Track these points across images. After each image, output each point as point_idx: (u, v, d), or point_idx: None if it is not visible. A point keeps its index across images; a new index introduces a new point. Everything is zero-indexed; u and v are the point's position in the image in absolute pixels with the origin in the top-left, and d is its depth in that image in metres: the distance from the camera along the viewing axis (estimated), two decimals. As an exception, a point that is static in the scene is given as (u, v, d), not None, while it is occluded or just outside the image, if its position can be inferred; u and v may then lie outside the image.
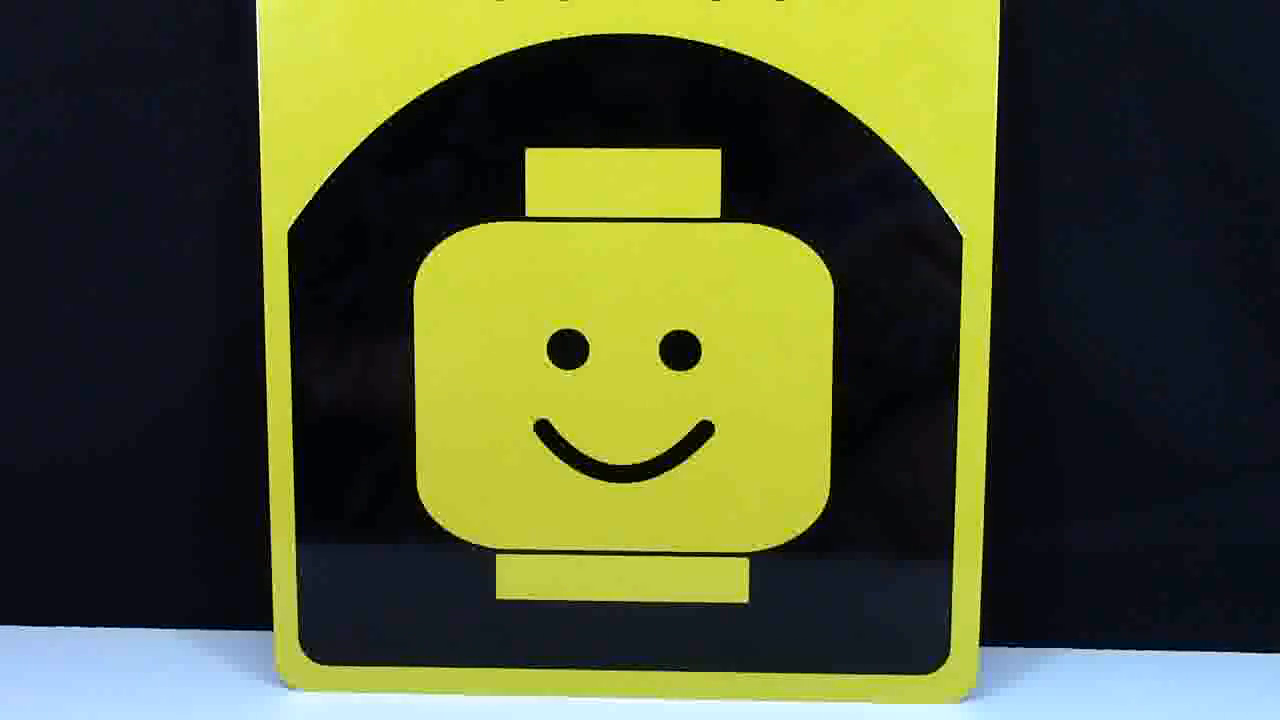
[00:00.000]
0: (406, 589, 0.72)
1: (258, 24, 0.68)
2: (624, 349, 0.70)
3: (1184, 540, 0.77)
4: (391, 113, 0.69)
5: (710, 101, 0.68)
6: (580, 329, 0.70)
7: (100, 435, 0.78)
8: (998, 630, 0.73)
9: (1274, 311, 0.75)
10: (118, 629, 0.79)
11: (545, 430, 0.70)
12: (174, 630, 0.79)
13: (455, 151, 0.69)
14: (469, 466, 0.71)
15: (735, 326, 0.69)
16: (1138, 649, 0.77)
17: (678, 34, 0.68)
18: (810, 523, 0.71)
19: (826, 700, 0.71)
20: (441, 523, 0.71)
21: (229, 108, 0.74)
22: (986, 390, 0.69)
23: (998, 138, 0.68)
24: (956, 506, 0.70)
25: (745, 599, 0.71)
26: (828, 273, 0.69)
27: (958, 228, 0.68)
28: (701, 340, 0.70)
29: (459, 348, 0.70)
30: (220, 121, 0.75)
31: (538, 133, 0.69)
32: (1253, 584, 0.77)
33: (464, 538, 0.71)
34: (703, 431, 0.70)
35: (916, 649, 0.71)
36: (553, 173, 0.69)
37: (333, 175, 0.69)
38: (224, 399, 0.77)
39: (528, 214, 0.69)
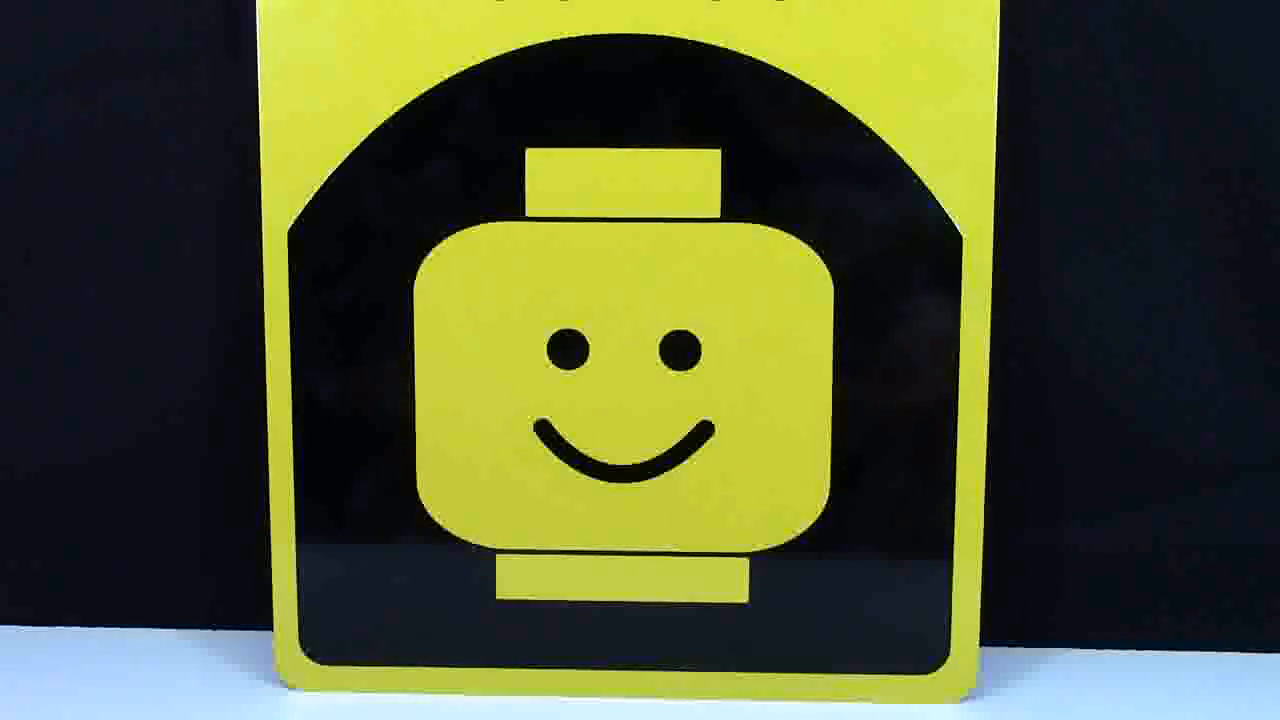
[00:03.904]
0: (406, 589, 0.72)
1: (258, 24, 0.68)
2: (624, 349, 0.70)
3: (1184, 540, 0.77)
4: (391, 113, 0.69)
5: (710, 101, 0.68)
6: (580, 329, 0.70)
7: (100, 436, 0.78)
8: (998, 630, 0.73)
9: (1273, 312, 0.75)
10: (118, 629, 0.79)
11: (545, 430, 0.71)
12: (174, 630, 0.79)
13: (455, 151, 0.69)
14: (469, 466, 0.71)
15: (735, 326, 0.69)
16: (1138, 649, 0.77)
17: (678, 34, 0.68)
18: (810, 523, 0.71)
19: (826, 700, 0.71)
20: (441, 523, 0.71)
21: (229, 107, 0.74)
22: (986, 390, 0.69)
23: (998, 138, 0.68)
24: (956, 506, 0.70)
25: (745, 599, 0.71)
26: (828, 273, 0.69)
27: (958, 228, 0.68)
28: (701, 340, 0.70)
29: (459, 348, 0.70)
30: (220, 121, 0.75)
31: (538, 133, 0.69)
32: (1253, 584, 0.77)
33: (464, 538, 0.71)
34: (703, 431, 0.70)
35: (916, 649, 0.71)
36: (553, 173, 0.69)
37: (333, 175, 0.69)
38: (224, 399, 0.77)
39: (528, 214, 0.69)
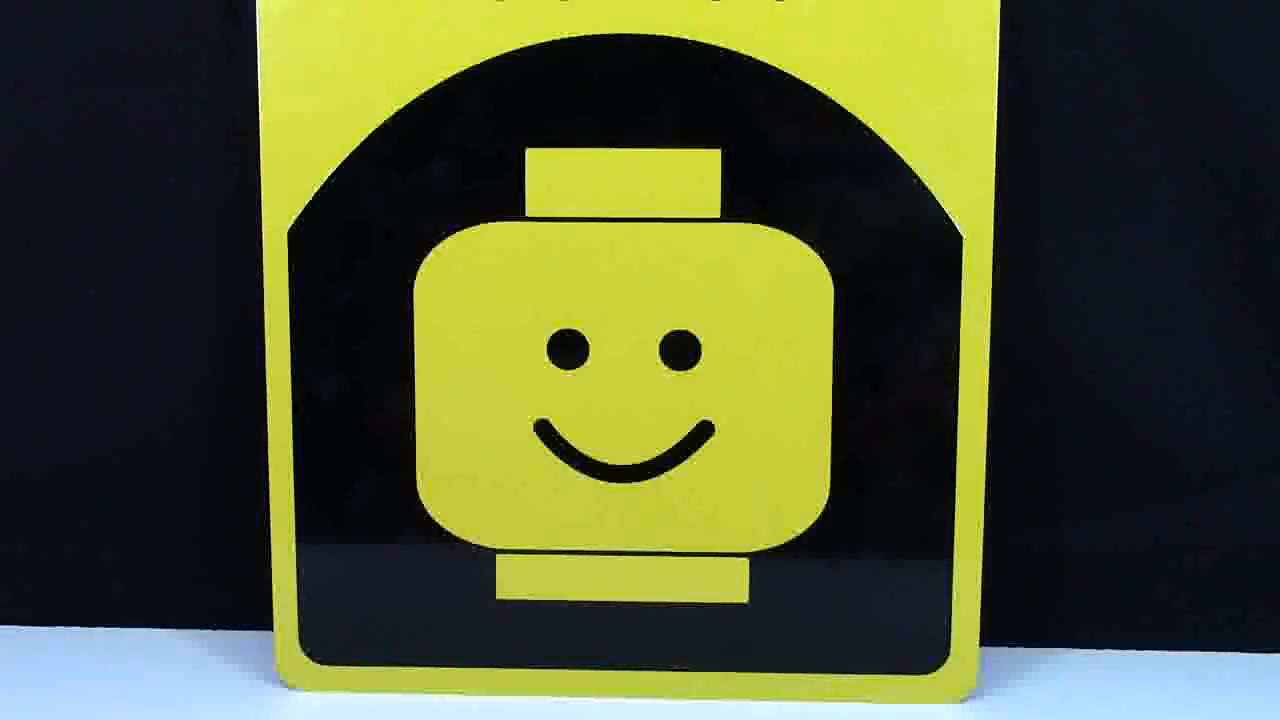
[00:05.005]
0: (406, 589, 0.72)
1: (258, 24, 0.68)
2: (624, 349, 0.70)
3: (1184, 540, 0.77)
4: (391, 113, 0.69)
5: (710, 101, 0.68)
6: (580, 329, 0.70)
7: (100, 436, 0.78)
8: (998, 630, 0.73)
9: (1274, 312, 0.75)
10: (118, 629, 0.79)
11: (545, 430, 0.71)
12: (174, 630, 0.79)
13: (455, 151, 0.69)
14: (469, 466, 0.71)
15: (735, 326, 0.69)
16: (1138, 649, 0.77)
17: (678, 34, 0.68)
18: (810, 523, 0.71)
19: (826, 700, 0.71)
20: (441, 523, 0.71)
21: (229, 108, 0.74)
22: (986, 390, 0.69)
23: (998, 138, 0.68)
24: (956, 506, 0.70)
25: (745, 599, 0.71)
26: (828, 273, 0.69)
27: (958, 228, 0.68)
28: (701, 340, 0.70)
29: (459, 348, 0.70)
30: (220, 121, 0.75)
31: (538, 133, 0.69)
32: (1253, 584, 0.77)
33: (464, 538, 0.71)
34: (703, 431, 0.70)
35: (916, 649, 0.71)
36: (553, 173, 0.69)
37: (333, 175, 0.69)
38: (224, 399, 0.77)
39: (528, 214, 0.69)
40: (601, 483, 0.71)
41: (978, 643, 0.71)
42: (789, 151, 0.69)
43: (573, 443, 0.71)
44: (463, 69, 0.68)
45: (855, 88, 0.68)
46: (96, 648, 0.77)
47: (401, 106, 0.68)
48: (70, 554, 0.79)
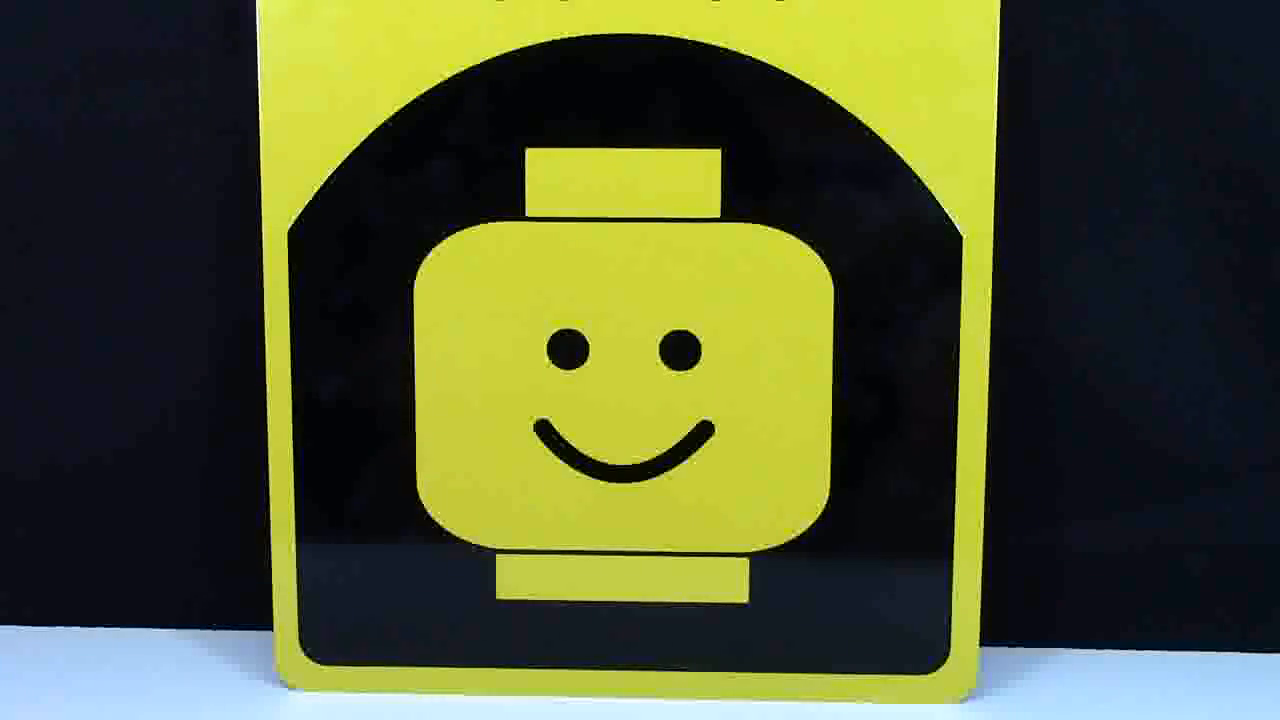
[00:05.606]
0: (406, 589, 0.72)
1: (258, 24, 0.68)
2: (624, 349, 0.70)
3: (1184, 540, 0.77)
4: (391, 113, 0.69)
5: (710, 101, 0.68)
6: (580, 329, 0.70)
7: (100, 436, 0.78)
8: (998, 630, 0.73)
9: (1274, 311, 0.75)
10: (118, 629, 0.79)
11: (545, 430, 0.71)
12: (174, 630, 0.79)
13: (455, 151, 0.69)
14: (469, 466, 0.71)
15: (735, 326, 0.69)
16: (1138, 649, 0.77)
17: (678, 34, 0.68)
18: (810, 523, 0.71)
19: (826, 700, 0.71)
20: (441, 523, 0.71)
21: (229, 108, 0.74)
22: (986, 390, 0.69)
23: (998, 138, 0.68)
24: (956, 506, 0.70)
25: (745, 599, 0.71)
26: (828, 273, 0.69)
27: (958, 228, 0.68)
28: (701, 340, 0.70)
29: (459, 348, 0.70)
30: (220, 121, 0.75)
31: (538, 133, 0.69)
32: (1253, 584, 0.77)
33: (464, 538, 0.71)
34: (703, 431, 0.70)
35: (916, 649, 0.71)
36: (553, 173, 0.69)
37: (333, 175, 0.69)
38: (224, 399, 0.77)
39: (528, 214, 0.69)
40: (601, 483, 0.71)
41: (978, 643, 0.71)
42: (789, 151, 0.69)
43: (573, 443, 0.71)
44: (463, 69, 0.68)
45: (855, 88, 0.68)
46: (96, 648, 0.77)
47: (401, 106, 0.69)
48: (70, 554, 0.79)
